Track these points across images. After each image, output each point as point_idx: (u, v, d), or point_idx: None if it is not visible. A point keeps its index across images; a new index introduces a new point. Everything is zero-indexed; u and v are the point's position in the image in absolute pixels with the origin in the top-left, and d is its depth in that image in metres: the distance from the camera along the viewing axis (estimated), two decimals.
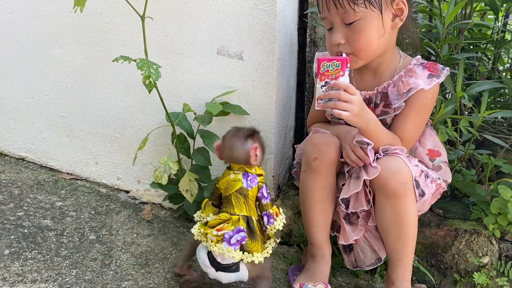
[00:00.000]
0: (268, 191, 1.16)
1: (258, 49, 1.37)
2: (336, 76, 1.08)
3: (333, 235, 1.30)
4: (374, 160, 1.13)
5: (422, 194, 1.17)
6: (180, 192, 1.36)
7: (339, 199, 1.19)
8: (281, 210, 1.16)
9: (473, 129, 1.32)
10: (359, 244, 1.26)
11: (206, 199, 1.22)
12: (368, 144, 1.13)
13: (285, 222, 1.14)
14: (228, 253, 1.07)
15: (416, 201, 1.15)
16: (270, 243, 1.14)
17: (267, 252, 1.12)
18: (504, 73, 2.00)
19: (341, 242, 1.25)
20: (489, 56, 2.05)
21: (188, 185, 1.37)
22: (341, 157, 1.20)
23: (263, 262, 1.10)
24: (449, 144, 1.52)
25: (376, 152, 1.16)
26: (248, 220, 1.11)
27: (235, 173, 1.15)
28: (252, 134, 1.17)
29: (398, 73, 1.21)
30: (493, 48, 1.96)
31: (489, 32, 2.05)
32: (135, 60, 1.17)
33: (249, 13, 1.35)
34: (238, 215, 1.11)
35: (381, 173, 1.10)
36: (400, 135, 1.19)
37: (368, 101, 1.24)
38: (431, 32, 1.74)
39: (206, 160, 1.40)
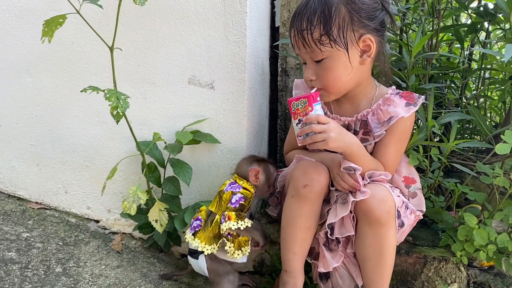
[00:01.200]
0: (240, 202, 1.23)
1: (229, 79, 1.39)
2: (306, 112, 1.12)
3: (310, 261, 1.30)
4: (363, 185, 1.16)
5: (402, 225, 1.19)
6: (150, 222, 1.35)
7: (326, 225, 1.20)
8: (245, 221, 1.21)
9: (442, 156, 1.35)
10: (338, 271, 1.26)
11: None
12: (355, 169, 1.14)
13: (238, 228, 1.20)
14: (186, 234, 1.28)
15: (396, 230, 1.17)
16: (226, 245, 1.22)
17: (213, 248, 1.23)
18: (471, 101, 2.06)
19: (321, 269, 1.24)
20: (457, 84, 2.12)
21: (157, 215, 1.35)
22: (332, 185, 1.21)
23: (206, 252, 1.22)
24: (418, 171, 1.55)
25: (362, 178, 1.17)
26: (210, 215, 1.27)
27: (230, 180, 1.32)
28: (261, 160, 1.34)
29: (375, 102, 1.25)
30: (460, 77, 2.03)
31: (456, 61, 2.13)
32: (103, 91, 1.17)
33: (219, 44, 1.37)
34: (207, 209, 1.29)
35: (367, 200, 1.12)
36: (383, 162, 1.22)
37: (347, 128, 1.27)
38: (400, 61, 1.79)
39: (177, 190, 1.39)
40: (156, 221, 1.35)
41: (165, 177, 1.44)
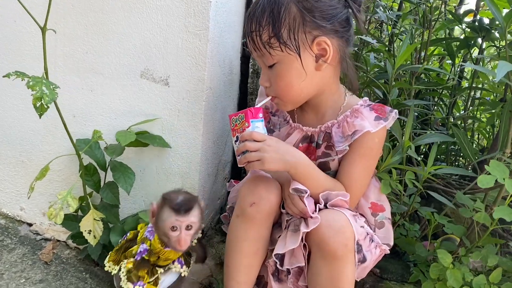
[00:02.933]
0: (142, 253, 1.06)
1: (186, 76, 1.22)
2: (243, 128, 1.02)
3: None
4: (314, 211, 1.00)
5: (363, 260, 1.03)
6: None
7: (273, 254, 1.04)
8: None
9: (418, 183, 1.19)
10: None
11: None
12: (305, 192, 0.99)
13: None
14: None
15: (355, 266, 1.01)
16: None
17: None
18: (459, 121, 1.93)
19: None
20: (446, 102, 1.98)
21: (91, 225, 1.17)
22: (283, 207, 1.06)
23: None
24: (393, 195, 1.40)
25: (315, 201, 1.02)
26: None
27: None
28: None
29: (343, 113, 1.10)
30: (448, 95, 1.90)
31: (446, 78, 1.99)
32: (29, 77, 1.00)
33: (178, 35, 1.21)
34: None
35: (321, 229, 0.96)
36: (346, 183, 1.07)
37: (309, 139, 1.12)
38: (385, 73, 1.64)
39: (115, 198, 1.22)
40: (90, 232, 1.18)
41: (105, 182, 1.26)
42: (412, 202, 1.28)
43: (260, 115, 1.02)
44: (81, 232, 1.22)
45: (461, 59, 1.97)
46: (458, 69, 1.97)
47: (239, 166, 1.01)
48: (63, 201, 1.12)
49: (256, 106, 1.04)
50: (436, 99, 1.98)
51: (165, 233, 0.98)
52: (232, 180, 1.31)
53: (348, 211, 1.00)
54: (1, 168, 1.42)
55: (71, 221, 1.26)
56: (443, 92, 1.95)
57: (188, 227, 0.98)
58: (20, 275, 1.20)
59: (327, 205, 1.01)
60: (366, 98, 1.13)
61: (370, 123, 1.05)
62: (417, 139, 1.20)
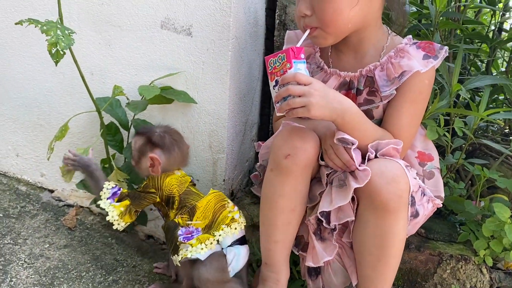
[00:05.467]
0: None
1: (210, 23, 1.13)
2: (284, 70, 0.89)
3: (297, 253, 1.05)
4: (361, 163, 0.90)
5: (416, 215, 0.94)
6: None
7: (318, 212, 0.95)
8: None
9: (468, 131, 1.08)
10: (331, 265, 1.02)
11: None
12: (352, 143, 0.89)
13: None
14: None
15: (408, 221, 0.92)
16: None
17: None
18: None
19: (309, 263, 0.99)
20: (483, 60, 1.85)
21: None
22: (321, 158, 0.96)
23: None
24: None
25: (363, 153, 0.92)
26: None
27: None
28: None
29: (386, 54, 0.99)
30: (488, 49, 1.76)
31: (483, 32, 1.85)
32: (42, 24, 0.91)
33: None
34: None
35: (372, 178, 0.87)
36: (393, 133, 0.97)
37: (348, 86, 1.02)
38: (421, 22, 1.51)
39: None
40: None
41: (128, 142, 1.19)
42: (460, 156, 1.17)
43: (302, 55, 0.91)
44: None
45: (502, 10, 1.82)
46: (498, 21, 1.82)
47: (277, 114, 0.91)
48: None
49: (305, 35, 0.93)
50: (472, 57, 1.84)
51: None
52: (259, 142, 1.22)
53: (401, 161, 0.90)
54: (20, 133, 1.36)
55: None
56: (482, 46, 1.82)
57: None
58: (44, 240, 1.14)
59: (377, 154, 0.91)
60: (410, 36, 1.01)
61: (419, 62, 0.94)
62: (467, 82, 1.08)
